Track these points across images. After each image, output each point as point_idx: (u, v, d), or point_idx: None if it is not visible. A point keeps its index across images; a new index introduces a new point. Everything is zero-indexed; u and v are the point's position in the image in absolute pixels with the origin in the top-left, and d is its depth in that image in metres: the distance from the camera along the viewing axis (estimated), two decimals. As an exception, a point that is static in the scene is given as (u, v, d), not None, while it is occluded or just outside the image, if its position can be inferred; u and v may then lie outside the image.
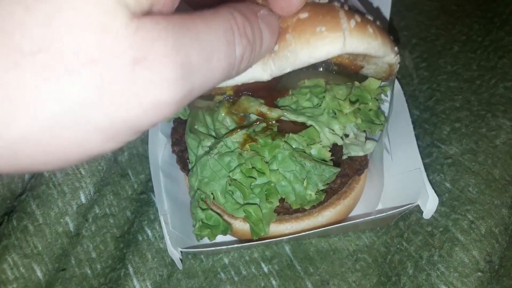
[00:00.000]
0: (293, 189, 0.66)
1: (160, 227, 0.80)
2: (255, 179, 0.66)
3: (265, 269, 0.76)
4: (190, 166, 0.74)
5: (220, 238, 0.73)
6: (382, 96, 0.77)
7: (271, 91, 0.69)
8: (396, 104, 0.80)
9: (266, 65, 0.54)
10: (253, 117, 0.69)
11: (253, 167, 0.65)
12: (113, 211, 0.83)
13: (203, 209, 0.70)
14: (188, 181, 0.73)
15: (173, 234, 0.71)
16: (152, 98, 0.31)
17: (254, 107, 0.67)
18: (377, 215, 0.66)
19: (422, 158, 0.70)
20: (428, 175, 0.72)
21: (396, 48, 0.67)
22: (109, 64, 0.29)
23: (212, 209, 0.71)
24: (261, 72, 0.54)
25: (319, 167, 0.65)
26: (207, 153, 0.69)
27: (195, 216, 0.70)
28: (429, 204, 0.65)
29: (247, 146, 0.66)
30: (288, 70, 0.53)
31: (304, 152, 0.66)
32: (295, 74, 0.61)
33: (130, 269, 0.76)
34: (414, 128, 0.81)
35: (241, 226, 0.76)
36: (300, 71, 0.59)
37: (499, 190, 0.70)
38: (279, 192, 0.67)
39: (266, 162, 0.65)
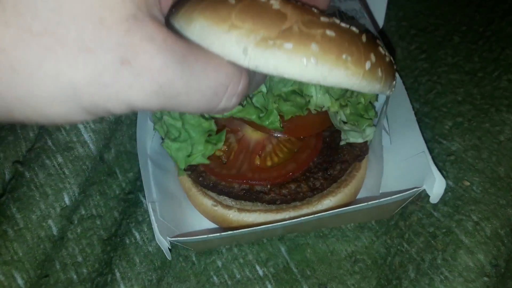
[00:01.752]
0: None
1: (149, 229, 0.76)
2: None
3: (260, 272, 0.73)
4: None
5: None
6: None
7: None
8: (395, 91, 0.77)
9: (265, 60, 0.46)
10: None
11: None
12: (100, 212, 0.78)
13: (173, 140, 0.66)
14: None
15: (161, 223, 0.67)
16: (128, 100, 0.35)
17: None
18: (381, 200, 0.62)
19: (423, 154, 0.67)
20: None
21: (394, 83, 0.66)
22: (101, 57, 0.33)
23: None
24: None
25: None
26: None
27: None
28: (436, 187, 0.62)
29: None
30: (285, 76, 0.47)
31: None
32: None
33: (117, 274, 0.72)
34: (414, 122, 0.77)
35: (236, 216, 0.73)
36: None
37: (505, 189, 0.67)
38: None
39: None
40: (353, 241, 0.75)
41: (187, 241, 0.67)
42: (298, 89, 0.65)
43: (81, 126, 0.80)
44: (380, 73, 0.56)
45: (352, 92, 0.67)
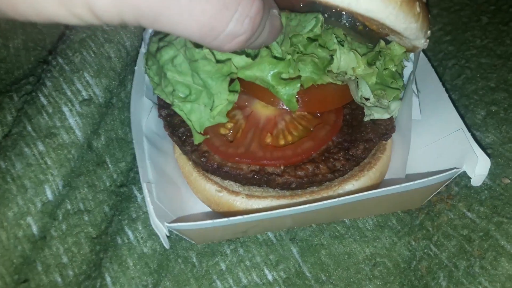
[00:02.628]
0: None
1: (144, 227, 0.67)
2: None
3: (269, 277, 0.65)
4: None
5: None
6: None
7: None
8: (420, 67, 0.69)
9: None
10: None
11: None
12: (88, 207, 0.69)
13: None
14: (148, 74, 0.62)
15: (158, 206, 0.59)
16: None
17: None
18: (416, 182, 0.54)
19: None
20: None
21: (428, 33, 0.60)
22: None
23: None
24: None
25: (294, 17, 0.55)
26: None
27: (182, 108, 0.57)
28: (479, 167, 0.55)
29: None
30: None
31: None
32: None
33: (108, 279, 0.63)
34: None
35: (244, 203, 0.66)
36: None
37: (550, 188, 0.60)
38: None
39: None
40: (372, 242, 0.68)
41: (188, 228, 0.58)
42: (321, 40, 0.55)
43: (65, 109, 0.70)
44: (418, 9, 0.51)
45: (379, 52, 0.59)
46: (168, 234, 0.57)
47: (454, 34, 0.87)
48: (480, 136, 0.68)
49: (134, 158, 0.71)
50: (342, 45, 0.56)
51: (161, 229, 0.56)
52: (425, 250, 0.63)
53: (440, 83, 0.65)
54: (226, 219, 0.54)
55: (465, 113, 0.72)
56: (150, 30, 0.76)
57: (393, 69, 0.60)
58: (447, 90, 0.78)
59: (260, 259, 0.66)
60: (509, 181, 0.60)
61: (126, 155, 0.77)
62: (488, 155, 0.65)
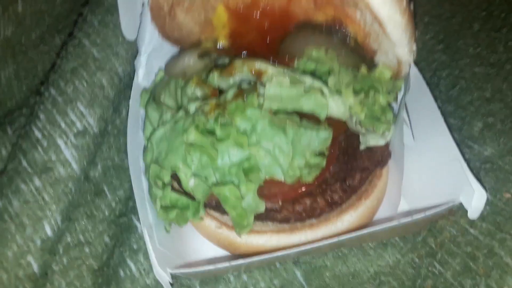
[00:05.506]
0: (278, 164, 0.56)
1: (146, 258, 0.67)
2: (215, 136, 0.55)
3: (274, 302, 0.65)
4: (144, 141, 0.66)
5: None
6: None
7: (273, 53, 0.62)
8: (414, 88, 0.69)
9: None
10: (230, 94, 0.59)
11: (216, 120, 0.56)
12: (88, 238, 0.69)
13: (163, 187, 0.60)
14: (143, 159, 0.65)
15: (160, 252, 0.60)
16: None
17: (249, 66, 0.60)
18: (414, 216, 0.55)
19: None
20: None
21: (414, 47, 0.60)
22: None
23: (174, 189, 0.61)
24: None
25: (304, 132, 0.56)
26: (164, 124, 0.61)
27: (154, 197, 0.62)
28: (476, 200, 0.55)
29: (211, 113, 0.56)
30: None
31: (287, 113, 0.57)
32: (305, 38, 0.60)
33: (112, 314, 0.63)
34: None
35: (244, 239, 0.65)
36: (313, 34, 0.58)
37: (551, 201, 0.60)
38: (261, 170, 0.57)
39: (243, 134, 0.56)
40: (376, 260, 0.67)
41: (190, 273, 0.60)
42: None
43: (60, 142, 0.70)
44: (405, 4, 0.53)
45: (368, 91, 0.59)
46: (171, 282, 0.57)
47: (446, 42, 0.87)
48: (478, 149, 0.67)
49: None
50: (327, 85, 0.57)
51: (164, 277, 0.56)
52: (429, 268, 0.63)
53: (436, 105, 0.64)
54: (227, 263, 0.56)
55: (462, 125, 0.71)
56: (142, 57, 0.75)
57: (383, 103, 0.60)
58: (442, 102, 0.78)
59: (264, 284, 0.66)
60: (510, 195, 0.60)
61: (124, 182, 0.76)
62: (488, 169, 0.65)
